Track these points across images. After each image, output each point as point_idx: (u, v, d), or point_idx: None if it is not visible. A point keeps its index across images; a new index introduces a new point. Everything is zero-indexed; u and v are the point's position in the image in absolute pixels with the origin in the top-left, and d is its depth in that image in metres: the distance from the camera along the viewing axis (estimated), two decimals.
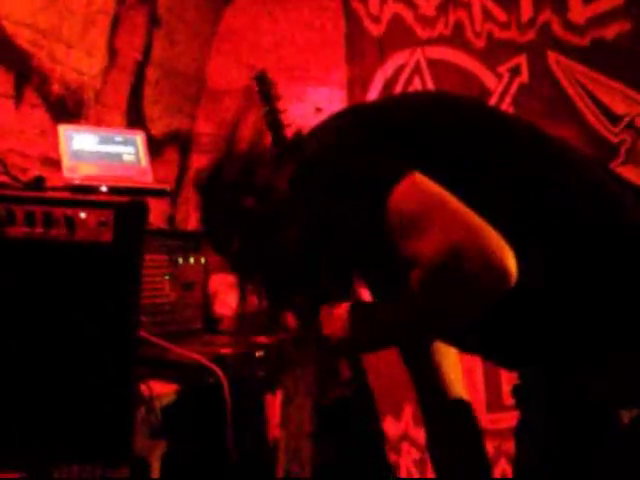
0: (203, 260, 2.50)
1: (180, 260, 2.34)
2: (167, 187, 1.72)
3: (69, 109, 2.32)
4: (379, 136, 1.09)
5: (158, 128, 2.98)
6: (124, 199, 1.34)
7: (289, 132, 1.49)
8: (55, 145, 1.94)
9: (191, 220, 3.25)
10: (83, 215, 1.32)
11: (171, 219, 2.57)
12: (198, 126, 3.35)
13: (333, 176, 1.07)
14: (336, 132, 1.16)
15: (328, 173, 1.08)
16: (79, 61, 2.37)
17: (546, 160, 1.08)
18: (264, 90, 1.37)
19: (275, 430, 2.69)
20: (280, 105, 1.54)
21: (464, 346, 1.24)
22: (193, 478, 2.07)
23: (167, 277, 2.28)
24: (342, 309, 1.18)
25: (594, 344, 0.99)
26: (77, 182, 1.46)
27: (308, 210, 1.15)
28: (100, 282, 1.31)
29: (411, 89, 2.86)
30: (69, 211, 1.32)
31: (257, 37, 3.28)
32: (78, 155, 1.70)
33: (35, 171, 1.84)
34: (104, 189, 1.48)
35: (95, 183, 1.49)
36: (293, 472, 2.84)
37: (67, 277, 1.30)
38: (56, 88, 2.26)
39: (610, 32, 2.72)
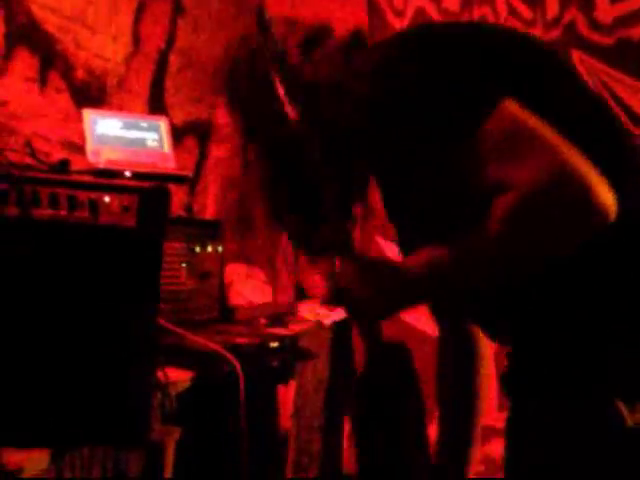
0: (220, 249, 2.50)
1: (198, 249, 2.34)
2: (189, 174, 1.72)
3: (92, 94, 2.33)
4: (470, 57, 0.99)
5: (179, 116, 2.99)
6: (147, 184, 1.35)
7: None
8: (78, 130, 1.96)
9: (209, 209, 3.26)
10: (107, 199, 1.32)
11: (189, 208, 2.58)
12: (218, 117, 3.35)
13: (417, 89, 0.96)
14: (420, 44, 1.04)
15: (410, 84, 0.97)
16: (103, 47, 2.38)
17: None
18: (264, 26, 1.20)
19: (287, 421, 2.70)
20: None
21: (493, 331, 1.19)
22: (206, 465, 2.08)
23: (184, 265, 2.28)
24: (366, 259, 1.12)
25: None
26: (101, 166, 1.46)
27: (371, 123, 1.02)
28: (122, 267, 1.32)
29: None
30: (93, 195, 1.32)
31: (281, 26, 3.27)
32: (102, 139, 1.71)
33: (58, 155, 1.85)
34: (128, 174, 1.48)
35: (119, 168, 1.49)
36: (303, 464, 2.84)
37: (90, 260, 1.31)
38: (80, 73, 2.27)
39: (637, 33, 2.70)
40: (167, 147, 1.83)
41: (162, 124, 1.88)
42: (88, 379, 1.31)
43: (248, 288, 3.08)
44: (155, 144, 1.79)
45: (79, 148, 2.03)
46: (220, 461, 2.09)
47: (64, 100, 2.20)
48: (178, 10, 2.79)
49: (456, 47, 1.00)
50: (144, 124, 1.83)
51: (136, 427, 1.33)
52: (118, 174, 1.47)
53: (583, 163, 0.85)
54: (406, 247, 1.16)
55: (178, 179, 1.69)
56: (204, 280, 2.40)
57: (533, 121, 0.90)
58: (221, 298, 2.63)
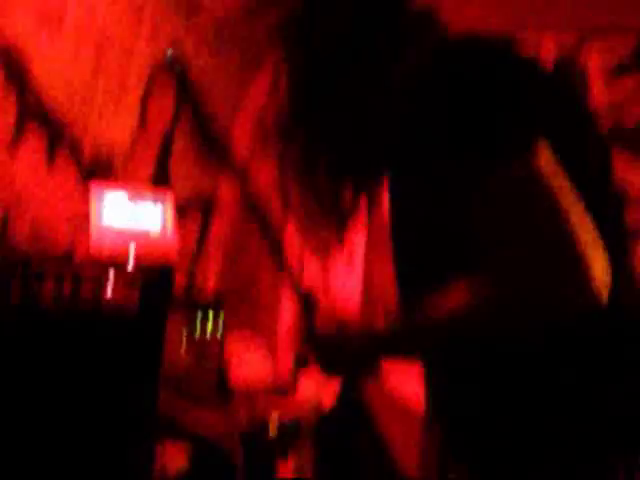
0: (220, 331, 2.51)
1: (198, 329, 2.35)
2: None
3: (99, 173, 2.37)
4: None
5: (182, 192, 3.03)
6: (152, 267, 1.36)
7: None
8: (84, 208, 1.98)
9: (210, 283, 3.27)
10: (110, 290, 1.34)
11: (189, 287, 2.59)
12: (221, 192, 3.40)
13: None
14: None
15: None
16: (110, 130, 2.43)
17: None
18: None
19: None
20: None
21: None
22: None
23: (183, 346, 2.28)
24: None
25: None
26: (105, 255, 1.48)
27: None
28: (125, 347, 1.32)
29: None
30: (96, 286, 1.34)
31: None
32: (107, 224, 1.72)
33: (63, 237, 1.87)
34: (131, 261, 1.50)
35: (121, 258, 1.50)
36: None
37: (95, 341, 1.31)
38: (87, 152, 2.32)
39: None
40: (170, 224, 1.82)
41: (168, 208, 1.89)
42: (88, 459, 1.29)
43: (248, 361, 3.06)
44: (158, 229, 1.79)
45: (84, 226, 2.06)
46: None
47: (71, 179, 2.23)
48: (184, 87, 2.86)
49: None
50: (149, 207, 1.83)
51: None
52: (121, 266, 1.47)
53: (593, 246, 0.81)
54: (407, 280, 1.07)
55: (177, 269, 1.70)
56: (203, 360, 2.40)
57: (558, 181, 0.84)
58: (219, 377, 2.61)
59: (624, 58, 2.80)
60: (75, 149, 2.26)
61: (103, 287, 1.30)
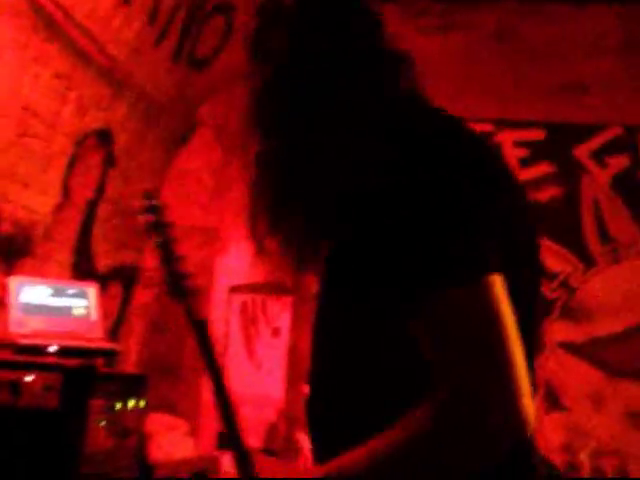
0: (143, 404, 2.43)
1: (118, 405, 2.26)
2: (117, 348, 1.69)
3: (17, 246, 2.30)
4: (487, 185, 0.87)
5: (104, 262, 2.98)
6: (73, 363, 1.32)
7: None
8: (0, 285, 1.92)
9: (131, 356, 3.18)
10: (29, 379, 1.29)
11: (110, 358, 2.51)
12: (144, 261, 3.35)
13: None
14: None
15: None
16: (32, 199, 2.38)
17: None
18: (154, 215, 1.15)
19: None
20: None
21: None
22: None
23: (103, 423, 2.19)
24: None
25: None
26: (24, 342, 1.42)
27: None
28: (43, 447, 1.26)
29: None
30: (15, 375, 1.29)
31: (209, 178, 3.37)
32: (27, 308, 1.67)
33: None
34: (52, 349, 1.45)
35: (43, 342, 1.46)
36: None
37: (9, 441, 1.25)
38: (6, 226, 2.25)
39: (544, 195, 2.93)
40: (95, 315, 1.80)
41: (91, 290, 1.86)
42: None
43: (169, 440, 2.97)
44: (83, 312, 1.77)
45: (3, 305, 1.99)
46: None
47: None
48: (109, 162, 2.84)
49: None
50: (72, 291, 1.80)
51: None
52: (42, 350, 1.43)
53: (524, 378, 0.80)
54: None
55: (106, 353, 1.65)
56: (124, 438, 2.31)
57: (504, 311, 0.80)
58: (141, 455, 2.52)
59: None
60: None
61: (22, 380, 1.25)
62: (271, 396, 3.21)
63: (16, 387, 1.27)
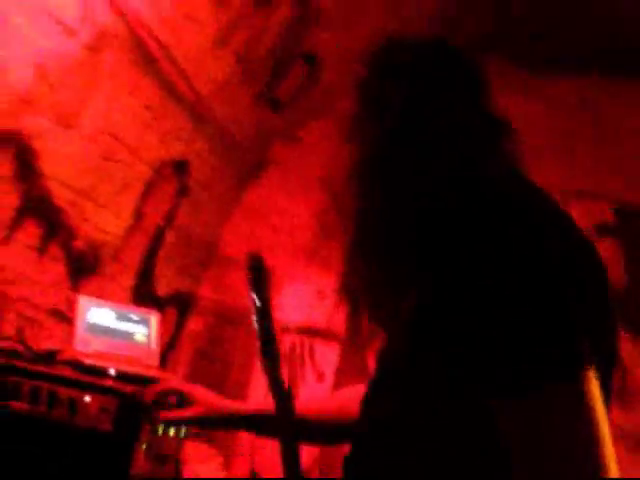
0: (183, 432, 2.46)
1: (160, 430, 2.30)
2: (173, 378, 1.74)
3: (87, 264, 2.39)
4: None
5: (163, 288, 3.05)
6: (129, 389, 1.37)
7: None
8: (67, 299, 1.99)
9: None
10: (87, 399, 1.34)
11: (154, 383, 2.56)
12: (202, 289, 3.42)
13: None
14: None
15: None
16: (106, 221, 2.47)
17: None
18: (257, 277, 1.23)
19: None
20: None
21: None
22: None
23: (144, 447, 2.23)
24: None
25: None
26: (88, 362, 1.48)
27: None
28: (93, 467, 1.31)
29: None
30: (74, 393, 1.34)
31: (274, 216, 3.44)
32: (92, 328, 1.74)
33: (47, 327, 1.87)
34: (112, 372, 1.50)
35: (104, 364, 1.51)
36: None
37: (61, 458, 1.30)
38: (79, 244, 2.35)
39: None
40: (154, 343, 1.85)
41: (153, 318, 1.92)
42: None
43: (204, 470, 2.99)
44: (143, 339, 1.82)
45: (65, 318, 2.06)
46: None
47: (59, 268, 2.25)
48: (182, 191, 2.93)
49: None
50: (135, 317, 1.87)
51: None
52: (102, 372, 1.48)
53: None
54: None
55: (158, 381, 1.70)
56: (162, 464, 2.34)
57: (598, 412, 0.77)
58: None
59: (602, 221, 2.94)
60: (68, 241, 2.29)
61: (81, 400, 1.30)
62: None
63: (74, 405, 1.32)
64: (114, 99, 2.25)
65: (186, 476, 2.78)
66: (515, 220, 0.83)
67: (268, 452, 3.27)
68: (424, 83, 1.01)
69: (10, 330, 1.77)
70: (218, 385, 3.34)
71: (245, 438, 3.25)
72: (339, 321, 3.24)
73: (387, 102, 1.00)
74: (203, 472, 2.89)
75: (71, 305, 2.07)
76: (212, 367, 3.37)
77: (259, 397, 3.26)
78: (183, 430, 2.51)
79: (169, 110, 2.61)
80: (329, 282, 3.32)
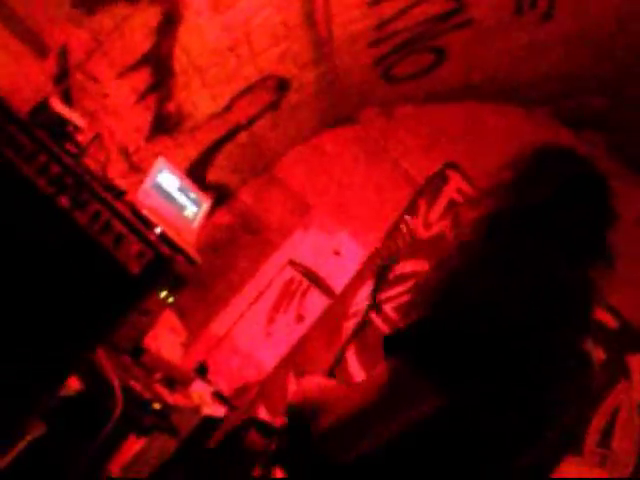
0: (171, 300, 2.69)
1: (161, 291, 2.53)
2: (199, 260, 1.96)
3: (169, 125, 2.61)
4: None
5: (213, 174, 3.29)
6: (166, 251, 1.60)
7: None
8: (138, 148, 2.22)
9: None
10: (132, 240, 1.57)
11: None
12: (242, 193, 3.65)
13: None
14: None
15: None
16: (202, 99, 2.69)
17: None
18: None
19: (115, 467, 2.81)
20: None
21: None
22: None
23: None
24: None
25: None
26: (143, 212, 1.71)
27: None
28: (109, 295, 1.55)
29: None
30: (124, 230, 1.58)
31: (336, 169, 3.64)
32: (157, 187, 1.97)
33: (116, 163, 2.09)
34: (158, 230, 1.73)
35: (154, 220, 1.74)
36: None
37: (89, 274, 1.54)
38: (171, 106, 2.57)
39: None
40: (197, 224, 2.08)
41: (205, 203, 2.14)
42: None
43: (166, 339, 3.26)
44: (191, 216, 2.05)
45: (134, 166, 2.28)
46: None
47: (147, 118, 2.48)
48: (273, 105, 3.14)
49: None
50: (192, 195, 2.08)
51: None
52: (150, 226, 1.71)
53: None
54: None
55: (189, 260, 1.93)
56: (142, 314, 2.60)
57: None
58: (140, 336, 2.79)
59: None
60: (165, 99, 2.51)
61: (127, 238, 1.53)
62: (261, 365, 3.47)
63: (120, 240, 1.56)
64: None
65: (149, 336, 3.04)
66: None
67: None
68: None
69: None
70: (211, 277, 3.60)
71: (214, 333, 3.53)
72: (339, 281, 3.45)
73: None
74: (165, 339, 3.16)
75: (140, 153, 2.30)
76: (214, 258, 3.61)
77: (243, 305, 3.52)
78: (172, 299, 2.77)
79: (301, 34, 2.79)
80: (349, 246, 3.55)
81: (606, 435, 2.93)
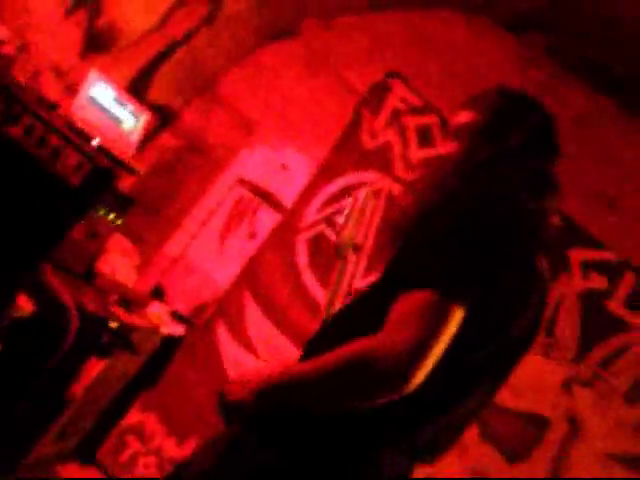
0: (119, 222, 2.68)
1: (102, 211, 2.53)
2: (139, 169, 1.95)
3: (101, 42, 2.55)
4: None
5: (154, 94, 3.24)
6: (103, 162, 1.60)
7: None
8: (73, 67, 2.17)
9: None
10: (70, 153, 1.57)
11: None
12: (186, 113, 3.60)
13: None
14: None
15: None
16: (135, 12, 2.62)
17: None
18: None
19: (78, 389, 2.86)
20: None
21: None
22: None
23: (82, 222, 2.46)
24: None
25: None
26: (78, 125, 1.69)
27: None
28: (48, 207, 1.55)
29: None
30: (60, 143, 1.57)
31: (277, 83, 3.61)
32: (91, 101, 1.93)
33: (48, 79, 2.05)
34: (95, 142, 1.72)
35: (91, 133, 1.72)
36: (66, 432, 2.96)
37: (32, 192, 1.54)
38: (103, 21, 2.50)
39: None
40: (135, 138, 2.06)
41: (143, 117, 2.12)
42: None
43: (119, 263, 3.27)
44: (129, 129, 2.02)
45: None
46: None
47: (78, 35, 2.41)
48: (209, 19, 3.07)
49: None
50: (130, 108, 2.05)
51: None
52: (87, 139, 1.69)
53: (429, 365, 1.10)
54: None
55: (129, 170, 1.93)
56: (90, 238, 2.60)
57: (447, 333, 1.13)
58: (91, 260, 2.79)
59: None
60: (95, 14, 2.44)
61: (64, 150, 1.52)
62: (217, 283, 3.51)
63: (58, 153, 1.55)
64: None
65: (103, 259, 3.04)
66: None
67: None
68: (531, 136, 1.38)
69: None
70: (162, 200, 3.59)
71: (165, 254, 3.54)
72: (289, 196, 3.48)
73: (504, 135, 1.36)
74: (118, 263, 3.17)
75: (75, 72, 2.25)
76: (163, 181, 3.59)
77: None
78: (119, 221, 2.76)
79: None
80: (297, 161, 3.56)
81: (550, 325, 3.08)
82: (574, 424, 3.05)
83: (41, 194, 1.55)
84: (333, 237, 3.24)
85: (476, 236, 1.19)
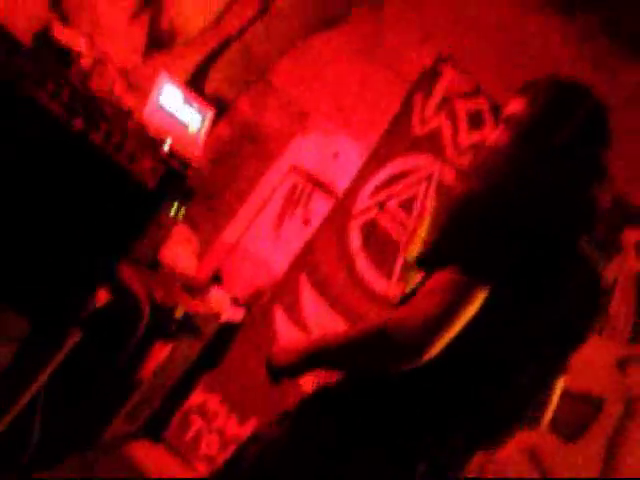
0: (181, 215, 2.78)
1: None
2: (204, 167, 2.04)
3: (164, 40, 2.64)
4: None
5: (211, 87, 3.33)
6: (175, 164, 1.70)
7: None
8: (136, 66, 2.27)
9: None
10: (145, 157, 1.67)
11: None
12: (240, 103, 3.69)
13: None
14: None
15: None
16: (194, 11, 2.71)
17: None
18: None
19: (146, 372, 3.00)
20: None
21: None
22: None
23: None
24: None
25: None
26: (152, 132, 1.79)
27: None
28: (126, 208, 1.66)
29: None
30: (137, 148, 1.67)
31: (329, 73, 3.67)
32: (161, 104, 2.03)
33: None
34: (166, 148, 1.82)
35: (162, 136, 1.82)
36: (134, 414, 3.11)
37: (109, 192, 1.64)
38: (165, 21, 2.60)
39: None
40: (202, 136, 2.14)
41: (209, 114, 2.19)
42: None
43: (180, 250, 3.40)
44: (196, 130, 2.11)
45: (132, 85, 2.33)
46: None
47: (142, 37, 2.51)
48: (263, 10, 3.14)
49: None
50: (196, 106, 2.12)
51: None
52: (159, 143, 1.79)
53: (446, 339, 1.16)
54: None
55: (197, 171, 2.01)
56: (158, 228, 2.70)
57: (468, 310, 1.17)
58: (157, 247, 2.89)
59: None
60: (157, 14, 2.53)
61: (140, 154, 1.63)
62: (273, 269, 3.61)
63: (134, 156, 1.66)
64: None
65: (166, 246, 3.16)
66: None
67: None
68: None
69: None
70: (219, 188, 3.70)
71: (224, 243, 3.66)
72: (342, 182, 3.54)
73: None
74: (180, 249, 3.29)
75: (138, 72, 2.35)
76: (219, 170, 3.69)
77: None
78: (182, 212, 2.87)
79: None
80: (349, 147, 3.62)
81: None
82: (629, 404, 3.07)
83: (121, 196, 1.66)
84: (386, 223, 3.30)
85: (512, 221, 1.22)
